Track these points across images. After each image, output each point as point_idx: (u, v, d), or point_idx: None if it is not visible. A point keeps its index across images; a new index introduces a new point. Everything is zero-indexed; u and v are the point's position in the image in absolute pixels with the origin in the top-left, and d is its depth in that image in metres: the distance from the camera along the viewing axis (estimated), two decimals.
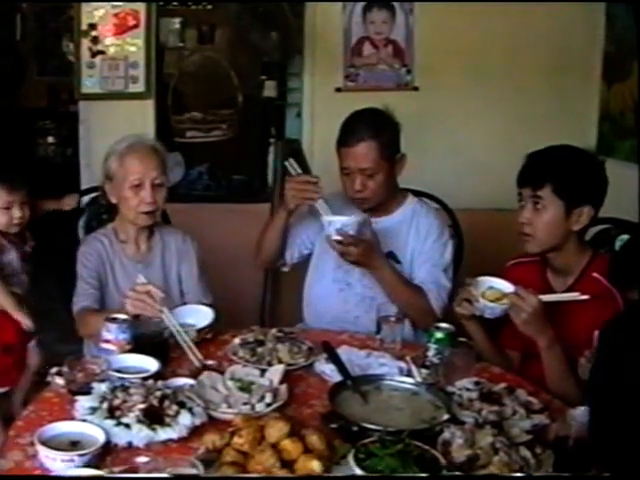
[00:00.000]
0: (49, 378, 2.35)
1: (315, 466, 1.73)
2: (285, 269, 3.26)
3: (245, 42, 4.50)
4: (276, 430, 1.81)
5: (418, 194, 3.27)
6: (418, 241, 3.05)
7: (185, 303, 2.91)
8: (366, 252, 2.84)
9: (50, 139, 8.19)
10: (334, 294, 3.12)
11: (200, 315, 2.70)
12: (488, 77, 4.67)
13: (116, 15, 4.60)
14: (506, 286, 2.50)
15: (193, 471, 1.68)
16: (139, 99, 4.69)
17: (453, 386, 2.28)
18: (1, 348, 2.74)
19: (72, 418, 2.04)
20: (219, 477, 1.79)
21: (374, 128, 2.95)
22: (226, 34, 7.12)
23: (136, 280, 2.62)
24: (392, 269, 2.96)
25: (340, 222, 2.80)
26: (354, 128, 2.97)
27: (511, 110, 4.71)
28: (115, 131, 4.53)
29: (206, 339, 2.66)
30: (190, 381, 2.27)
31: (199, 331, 2.63)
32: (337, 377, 2.35)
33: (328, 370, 2.43)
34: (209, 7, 6.85)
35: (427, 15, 4.65)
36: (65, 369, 2.25)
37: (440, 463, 1.78)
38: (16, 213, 2.91)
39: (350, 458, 1.76)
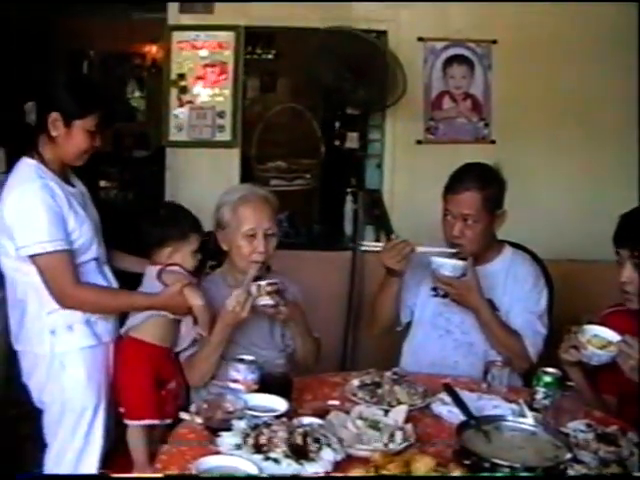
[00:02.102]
0: (183, 415, 2.51)
1: None
2: (398, 329, 3.39)
3: (331, 94, 4.63)
4: (423, 465, 1.97)
5: (512, 245, 3.40)
6: (515, 289, 3.20)
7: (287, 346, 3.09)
8: (470, 291, 3.05)
9: (112, 183, 8.37)
10: (434, 340, 3.27)
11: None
12: (562, 131, 4.84)
13: (205, 66, 4.84)
14: (610, 334, 2.63)
15: None
16: (225, 147, 4.90)
17: (565, 427, 2.41)
18: (157, 382, 2.87)
19: (213, 453, 2.20)
20: (220, 477, 1.98)
21: (481, 181, 3.12)
22: (287, 83, 7.40)
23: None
24: (491, 311, 3.12)
25: (450, 264, 3.01)
26: (463, 178, 3.15)
27: (586, 164, 4.87)
28: (201, 178, 4.81)
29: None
30: (317, 420, 2.40)
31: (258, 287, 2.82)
32: (454, 418, 2.50)
33: (445, 411, 2.58)
34: (270, 57, 7.13)
35: (504, 71, 4.86)
36: (205, 407, 2.41)
37: None
38: (198, 256, 3.03)
39: None
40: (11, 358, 3.03)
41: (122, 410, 2.91)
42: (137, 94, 9.93)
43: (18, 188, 2.79)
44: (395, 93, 4.56)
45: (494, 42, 4.85)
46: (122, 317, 3.02)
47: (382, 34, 4.78)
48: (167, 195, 4.98)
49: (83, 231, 2.85)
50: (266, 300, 2.83)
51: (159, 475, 2.21)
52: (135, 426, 2.88)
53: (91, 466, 2.89)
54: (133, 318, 2.95)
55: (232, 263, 3.09)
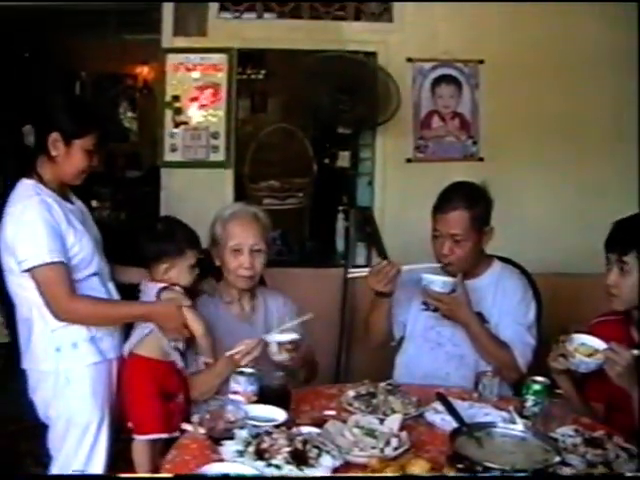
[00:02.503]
0: (185, 426, 2.59)
1: None
2: (393, 344, 3.48)
3: (324, 115, 4.73)
4: (418, 467, 2.06)
5: (500, 259, 3.49)
6: (504, 301, 3.30)
7: None
8: (459, 307, 3.16)
9: (105, 203, 8.40)
10: (425, 353, 3.36)
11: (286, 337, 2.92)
12: (548, 147, 4.97)
13: (198, 88, 4.93)
14: (597, 342, 2.72)
15: None
16: (219, 167, 5.00)
17: (554, 433, 2.51)
18: (164, 396, 2.91)
19: (216, 461, 2.29)
20: (228, 476, 2.08)
21: (469, 200, 3.21)
22: (278, 103, 7.47)
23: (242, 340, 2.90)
24: (481, 324, 3.21)
25: (441, 281, 3.12)
26: (451, 197, 3.24)
27: (572, 179, 4.99)
28: (195, 198, 4.88)
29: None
30: (315, 429, 2.49)
31: (279, 345, 2.89)
32: (447, 426, 2.58)
33: (439, 419, 2.67)
34: (260, 77, 7.20)
35: (491, 90, 4.99)
36: (207, 417, 2.50)
37: None
38: (196, 270, 3.06)
39: None
40: (10, 376, 3.08)
41: (130, 425, 2.95)
42: (129, 115, 10.04)
43: (17, 205, 2.87)
44: (389, 108, 4.67)
45: (481, 62, 4.97)
46: (127, 334, 3.08)
47: (372, 55, 4.89)
48: (162, 214, 5.05)
49: (83, 245, 2.92)
50: (284, 356, 2.91)
51: (168, 475, 2.30)
52: (141, 441, 2.93)
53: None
54: (134, 336, 3.01)
55: (225, 278, 3.21)
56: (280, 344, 2.88)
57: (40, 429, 3.11)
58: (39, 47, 8.16)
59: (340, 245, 5.24)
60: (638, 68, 4.79)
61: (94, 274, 2.98)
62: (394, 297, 3.33)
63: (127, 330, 3.07)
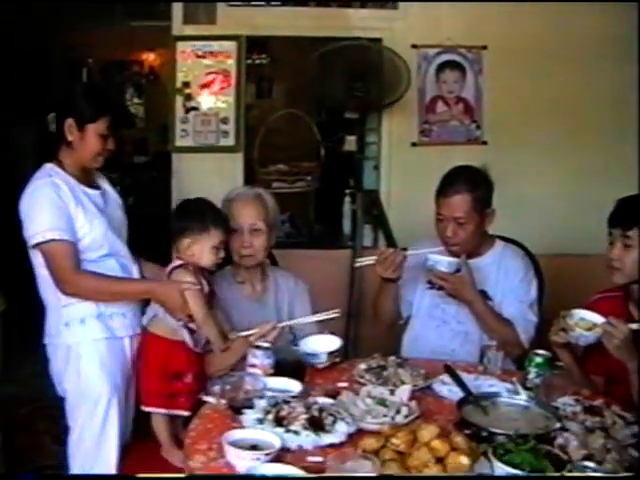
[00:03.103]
0: (206, 398, 2.73)
1: (464, 460, 2.10)
2: (401, 322, 3.60)
3: (329, 98, 4.84)
4: (428, 432, 2.19)
5: (503, 239, 3.61)
6: (507, 280, 3.42)
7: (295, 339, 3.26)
8: (464, 286, 3.29)
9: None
10: (432, 330, 3.49)
11: (330, 342, 3.10)
12: (550, 130, 5.11)
13: (208, 74, 5.06)
14: (596, 317, 2.85)
15: (368, 463, 2.06)
16: (229, 152, 5.12)
17: (555, 402, 2.65)
18: (171, 375, 2.99)
19: (236, 428, 2.41)
20: (239, 476, 2.19)
21: (470, 183, 3.33)
22: (282, 88, 7.57)
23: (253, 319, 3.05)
24: (484, 303, 3.34)
25: (446, 261, 3.26)
26: (453, 181, 3.35)
27: (573, 162, 5.14)
28: (205, 182, 4.97)
29: (335, 362, 3.05)
30: (328, 400, 2.62)
31: (330, 354, 3.04)
32: (453, 396, 2.73)
33: (446, 391, 2.82)
34: (265, 62, 7.29)
35: (494, 75, 5.12)
36: (228, 388, 2.63)
37: (564, 459, 2.15)
38: (221, 253, 3.09)
39: (490, 454, 2.14)
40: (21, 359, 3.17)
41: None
42: (136, 101, 10.13)
43: (30, 187, 3.02)
44: (400, 87, 4.78)
45: (484, 48, 5.10)
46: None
47: (377, 41, 4.99)
48: (174, 199, 5.12)
49: (94, 227, 3.02)
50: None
51: (183, 475, 2.43)
52: (155, 412, 3.03)
53: (110, 451, 3.07)
54: (147, 314, 3.11)
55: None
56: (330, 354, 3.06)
57: (55, 409, 3.25)
58: (46, 35, 8.24)
59: (347, 227, 5.38)
60: (638, 53, 4.90)
61: (107, 255, 3.08)
62: (404, 277, 3.45)
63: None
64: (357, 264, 3.30)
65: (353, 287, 4.99)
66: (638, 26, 4.79)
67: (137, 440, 3.20)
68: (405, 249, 4.59)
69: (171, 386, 2.98)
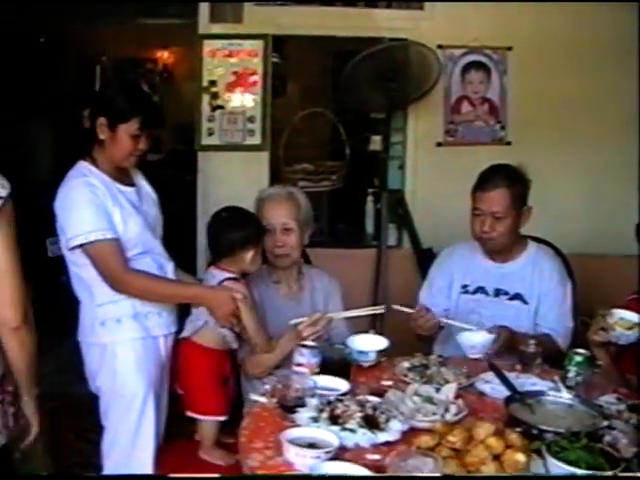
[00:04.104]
0: (255, 397, 2.76)
1: (521, 458, 2.15)
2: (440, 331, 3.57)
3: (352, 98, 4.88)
4: (484, 429, 2.24)
5: (534, 240, 3.64)
6: (542, 282, 3.46)
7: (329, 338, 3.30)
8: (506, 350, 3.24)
9: None
10: None
11: (377, 341, 3.16)
12: (574, 132, 5.16)
13: (235, 73, 5.11)
14: (635, 317, 2.90)
15: (430, 460, 2.10)
16: (255, 151, 5.17)
17: (597, 401, 2.69)
18: (221, 381, 3.06)
19: (290, 427, 2.42)
20: (272, 476, 2.23)
21: (509, 179, 3.38)
22: (297, 86, 7.56)
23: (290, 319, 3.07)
24: (523, 335, 3.27)
25: (481, 345, 3.20)
26: (492, 177, 3.40)
27: (596, 163, 5.19)
28: (231, 180, 5.02)
29: (381, 361, 3.10)
30: (376, 398, 2.65)
31: (379, 353, 3.09)
32: (496, 395, 2.78)
33: (488, 388, 2.86)
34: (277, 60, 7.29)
35: (519, 75, 5.18)
36: (279, 387, 2.66)
37: (616, 456, 2.20)
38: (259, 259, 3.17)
39: (545, 452, 2.19)
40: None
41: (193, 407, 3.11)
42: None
43: (64, 187, 3.02)
44: (431, 77, 4.87)
45: (509, 49, 5.17)
46: (180, 314, 3.21)
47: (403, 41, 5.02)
48: (199, 197, 5.23)
49: (129, 225, 3.03)
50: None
51: (215, 475, 2.45)
52: (208, 421, 3.08)
53: (146, 450, 3.08)
54: (188, 327, 3.15)
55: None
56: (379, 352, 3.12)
57: (80, 407, 3.27)
58: (59, 32, 8.26)
59: (369, 226, 5.43)
60: (638, 64, 4.97)
61: (143, 253, 3.08)
62: (434, 285, 3.56)
63: (180, 310, 3.21)
64: (394, 306, 3.30)
65: (378, 286, 5.03)
66: (638, 26, 4.86)
67: (170, 441, 3.25)
68: (430, 249, 4.68)
69: (223, 393, 3.06)
